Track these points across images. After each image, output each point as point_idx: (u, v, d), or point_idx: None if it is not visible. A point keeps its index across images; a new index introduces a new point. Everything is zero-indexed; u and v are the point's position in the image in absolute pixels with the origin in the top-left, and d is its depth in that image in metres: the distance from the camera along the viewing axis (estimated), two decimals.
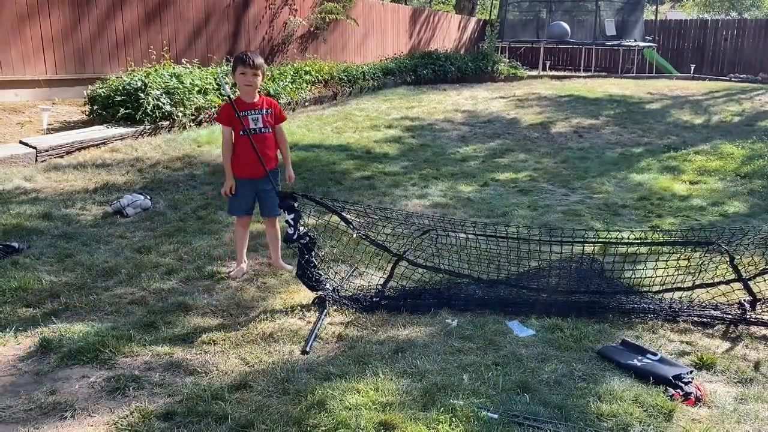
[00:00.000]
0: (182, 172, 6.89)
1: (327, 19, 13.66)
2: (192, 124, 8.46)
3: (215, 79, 8.93)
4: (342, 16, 13.93)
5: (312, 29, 13.50)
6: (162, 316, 3.63)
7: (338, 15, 13.78)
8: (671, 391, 2.92)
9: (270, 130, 4.21)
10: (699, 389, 2.93)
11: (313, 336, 3.42)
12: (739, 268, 3.79)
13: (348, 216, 4.08)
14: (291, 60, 12.59)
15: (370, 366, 3.10)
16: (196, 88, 8.59)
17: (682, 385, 2.94)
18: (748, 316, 3.67)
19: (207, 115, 8.74)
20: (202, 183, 6.54)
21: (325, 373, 3.04)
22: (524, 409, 2.75)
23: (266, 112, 4.23)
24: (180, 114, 8.20)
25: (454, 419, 2.66)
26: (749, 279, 3.75)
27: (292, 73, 10.88)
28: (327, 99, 11.56)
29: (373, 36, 15.98)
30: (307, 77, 11.23)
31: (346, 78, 12.19)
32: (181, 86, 8.34)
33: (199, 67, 9.49)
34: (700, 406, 2.85)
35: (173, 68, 8.88)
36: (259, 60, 4.09)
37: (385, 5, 16.46)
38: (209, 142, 7.98)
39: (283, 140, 4.31)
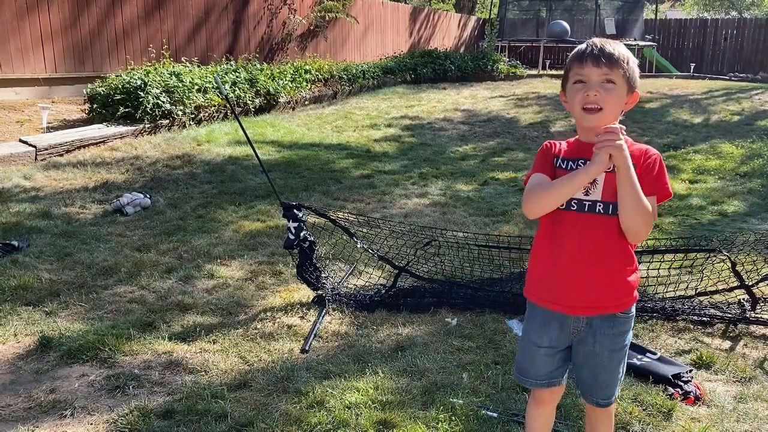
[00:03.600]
0: (182, 170, 6.88)
1: (327, 18, 13.65)
2: (192, 123, 8.46)
3: (214, 78, 8.93)
4: (342, 14, 13.92)
5: (311, 27, 13.50)
6: (161, 314, 3.63)
7: (338, 13, 13.77)
8: (670, 390, 2.92)
9: (615, 211, 1.87)
10: (698, 388, 2.94)
11: (312, 335, 3.42)
12: (740, 270, 3.78)
13: (351, 228, 4.06)
14: (291, 58, 12.59)
15: (369, 365, 3.10)
16: (196, 87, 8.59)
17: (682, 384, 2.95)
18: (747, 316, 3.67)
19: (207, 114, 8.75)
20: (202, 182, 6.54)
21: (324, 371, 3.04)
22: (524, 408, 2.75)
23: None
24: (180, 112, 8.20)
25: (453, 418, 2.67)
26: (752, 285, 3.74)
27: (291, 71, 10.88)
28: (327, 98, 11.55)
29: (373, 34, 15.98)
30: (307, 76, 11.23)
31: (345, 77, 12.18)
32: (180, 85, 8.34)
33: (198, 66, 9.48)
34: (699, 405, 2.85)
35: (173, 66, 8.88)
36: (620, 49, 1.89)
37: (385, 3, 16.45)
38: (209, 140, 7.99)
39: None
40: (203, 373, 3.04)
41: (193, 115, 8.47)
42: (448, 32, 19.85)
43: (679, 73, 18.40)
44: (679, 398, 2.87)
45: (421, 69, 14.57)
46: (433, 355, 3.24)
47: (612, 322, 1.96)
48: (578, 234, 1.90)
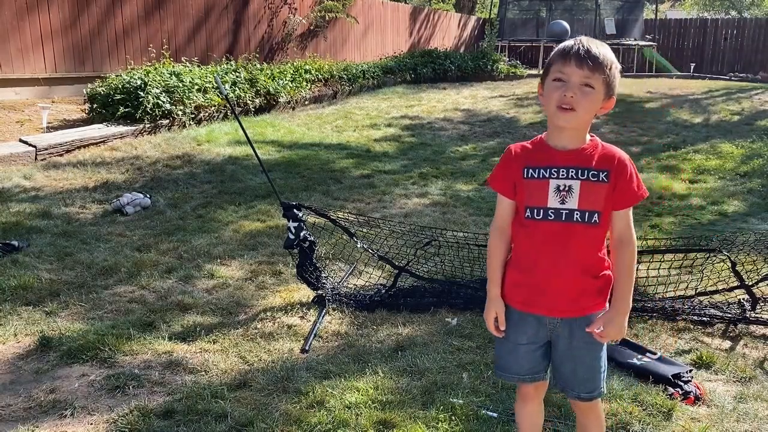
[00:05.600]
0: (182, 170, 6.88)
1: (327, 18, 13.66)
2: (192, 123, 8.46)
3: (214, 78, 8.93)
4: (342, 14, 13.92)
5: (312, 27, 13.50)
6: (161, 314, 3.63)
7: (338, 13, 13.78)
8: (670, 389, 2.92)
9: (593, 219, 1.88)
10: (698, 388, 2.94)
11: (312, 334, 3.42)
12: (740, 270, 3.78)
13: (351, 228, 4.06)
14: (291, 58, 12.59)
15: (369, 364, 3.10)
16: (196, 87, 8.59)
17: (682, 383, 2.95)
18: (747, 315, 3.67)
19: (207, 114, 8.75)
20: (202, 182, 6.54)
21: (324, 371, 3.04)
22: None
23: (593, 175, 1.88)
24: (180, 112, 8.20)
25: (453, 418, 2.67)
26: (752, 285, 3.74)
27: (292, 71, 10.88)
28: (327, 97, 11.55)
29: (373, 34, 15.98)
30: (307, 76, 11.23)
31: (345, 76, 12.18)
32: (180, 84, 8.34)
33: (198, 66, 9.48)
34: (699, 405, 2.85)
35: (173, 66, 8.88)
36: (605, 53, 1.84)
37: (385, 3, 16.45)
38: (209, 140, 7.99)
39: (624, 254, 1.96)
40: (203, 373, 3.04)
41: (193, 115, 8.47)
42: (448, 32, 19.85)
43: (679, 73, 18.40)
44: (679, 398, 2.87)
45: (421, 69, 14.57)
46: (433, 355, 3.24)
47: (588, 320, 1.98)
48: (555, 242, 1.90)
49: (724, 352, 3.37)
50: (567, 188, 1.86)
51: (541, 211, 1.90)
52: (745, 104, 11.94)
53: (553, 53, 1.89)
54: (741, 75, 18.19)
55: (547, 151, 1.92)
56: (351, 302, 3.84)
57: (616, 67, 1.87)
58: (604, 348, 2.05)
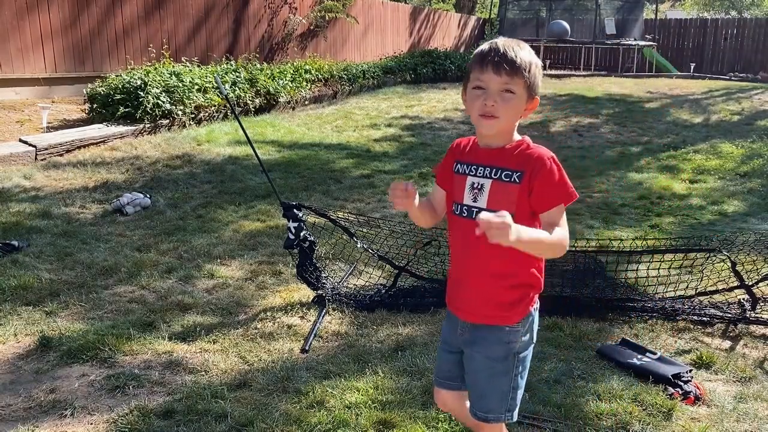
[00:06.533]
0: (182, 170, 6.88)
1: (327, 18, 13.66)
2: (192, 123, 8.46)
3: (214, 78, 8.94)
4: (342, 14, 13.92)
5: (312, 27, 13.50)
6: (161, 314, 3.63)
7: (338, 13, 13.78)
8: (670, 389, 2.92)
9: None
10: (698, 388, 2.94)
11: (312, 334, 3.42)
12: (741, 269, 3.78)
13: (351, 228, 4.06)
14: (291, 58, 12.59)
15: (369, 364, 3.10)
16: (196, 87, 8.59)
17: (682, 383, 2.95)
18: (747, 315, 3.67)
19: (207, 114, 8.75)
20: (202, 182, 6.54)
21: (324, 371, 3.04)
22: (524, 408, 2.75)
23: (506, 176, 1.83)
24: (180, 112, 8.20)
25: (453, 418, 2.67)
26: (752, 285, 3.74)
27: (292, 71, 10.87)
28: (327, 97, 11.55)
29: (373, 34, 15.98)
30: (307, 76, 11.22)
31: (345, 76, 12.18)
32: (180, 85, 8.34)
33: (198, 66, 9.48)
34: (699, 405, 2.85)
35: (173, 66, 8.88)
36: (523, 56, 1.78)
37: (385, 3, 16.45)
38: (209, 140, 7.99)
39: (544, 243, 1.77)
40: (203, 372, 3.04)
41: (193, 115, 8.47)
42: (448, 32, 19.85)
43: (679, 73, 18.40)
44: (679, 398, 2.87)
45: (421, 69, 14.57)
46: (433, 354, 3.23)
47: (495, 331, 1.89)
48: (468, 240, 1.81)
49: (724, 352, 3.37)
50: (479, 186, 1.83)
51: (458, 206, 1.87)
52: (745, 104, 11.94)
53: (471, 59, 1.82)
54: (741, 75, 18.18)
55: (474, 148, 1.91)
56: (351, 302, 3.84)
57: (536, 66, 1.80)
58: (510, 371, 1.90)
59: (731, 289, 3.88)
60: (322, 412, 2.69)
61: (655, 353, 3.22)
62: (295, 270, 3.95)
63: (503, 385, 1.91)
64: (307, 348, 3.29)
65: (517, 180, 1.78)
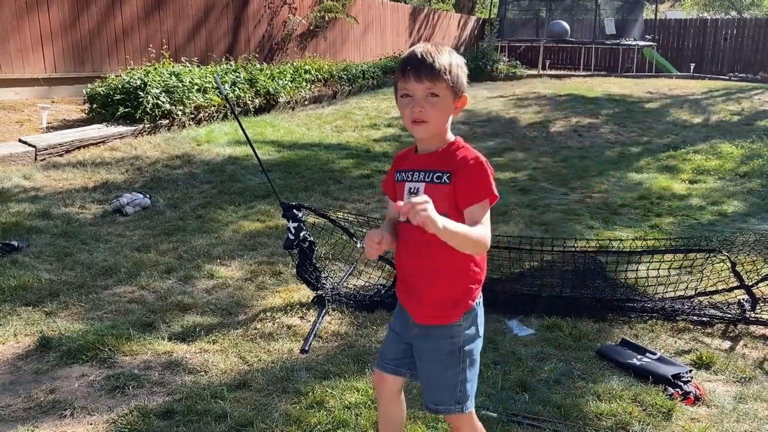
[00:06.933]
0: (181, 170, 6.88)
1: (326, 18, 13.66)
2: (191, 123, 8.46)
3: (214, 79, 8.94)
4: (341, 14, 13.92)
5: (311, 27, 13.50)
6: (161, 314, 3.63)
7: (338, 13, 13.78)
8: (670, 390, 2.92)
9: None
10: (698, 388, 2.94)
11: (312, 335, 3.42)
12: (740, 270, 3.78)
13: (351, 228, 4.06)
14: (291, 58, 12.59)
15: (369, 365, 3.10)
16: (196, 87, 8.59)
17: (681, 384, 2.95)
18: (747, 316, 3.67)
19: (206, 114, 8.75)
20: (202, 182, 6.54)
21: (324, 371, 3.04)
22: (523, 408, 2.76)
23: (437, 177, 1.89)
24: (179, 112, 8.20)
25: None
26: (751, 285, 3.74)
27: (291, 71, 10.88)
28: (326, 98, 11.55)
29: (373, 34, 15.98)
30: (307, 76, 11.23)
31: (345, 77, 12.18)
32: (180, 85, 8.34)
33: (198, 66, 9.49)
34: (699, 405, 2.85)
35: (172, 66, 8.88)
36: (441, 60, 1.83)
37: (385, 3, 16.46)
38: (209, 140, 7.99)
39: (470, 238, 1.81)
40: (203, 373, 3.04)
41: (192, 115, 8.47)
42: (448, 32, 19.85)
43: (679, 73, 18.40)
44: (678, 398, 2.87)
45: None
46: None
47: (441, 328, 1.96)
48: (410, 245, 1.93)
49: (724, 353, 3.37)
50: (416, 190, 1.89)
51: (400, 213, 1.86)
52: (744, 104, 11.94)
53: (399, 66, 1.88)
54: (741, 75, 18.18)
55: (411, 155, 1.98)
56: (351, 302, 3.84)
57: (458, 66, 1.85)
58: (459, 362, 1.96)
59: (731, 290, 3.88)
60: (322, 412, 2.69)
61: (654, 353, 3.22)
62: (294, 270, 3.94)
63: (450, 378, 1.97)
64: (306, 348, 3.29)
65: (447, 181, 1.84)
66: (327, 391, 2.84)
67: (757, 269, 3.95)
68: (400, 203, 1.64)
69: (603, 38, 19.34)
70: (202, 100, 8.61)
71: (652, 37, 19.93)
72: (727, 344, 3.47)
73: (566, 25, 19.26)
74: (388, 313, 3.75)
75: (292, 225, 3.72)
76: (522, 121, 10.61)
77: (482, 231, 1.81)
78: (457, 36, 20.45)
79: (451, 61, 1.83)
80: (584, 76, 17.07)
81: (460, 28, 20.64)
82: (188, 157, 7.33)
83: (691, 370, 3.08)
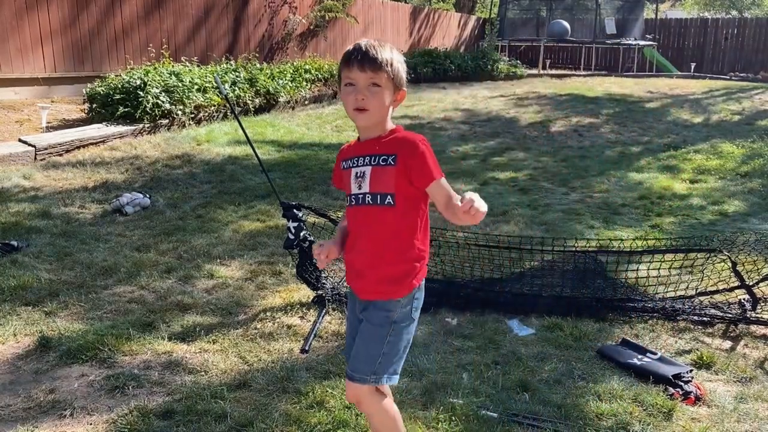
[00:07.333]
0: (181, 170, 6.88)
1: (327, 17, 13.65)
2: (191, 123, 8.45)
3: (214, 78, 8.94)
4: (342, 14, 13.92)
5: (311, 27, 13.49)
6: (161, 314, 3.62)
7: (338, 13, 13.77)
8: (671, 390, 2.91)
9: (386, 201, 2.00)
10: (699, 388, 2.93)
11: (312, 335, 3.42)
12: (741, 270, 3.77)
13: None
14: (291, 58, 12.58)
15: None
16: (196, 87, 8.59)
17: (682, 384, 2.94)
18: (748, 315, 3.67)
19: (206, 114, 8.75)
20: (202, 182, 6.54)
21: (324, 371, 3.04)
22: (524, 408, 2.75)
23: (383, 160, 2.00)
24: (179, 112, 8.20)
25: (453, 418, 2.66)
26: (752, 285, 3.73)
27: (291, 71, 10.87)
28: (327, 97, 11.55)
29: (373, 33, 15.96)
30: (307, 75, 11.22)
31: None
32: (180, 84, 8.34)
33: (198, 65, 9.48)
34: (699, 405, 2.84)
35: (172, 66, 8.87)
36: (384, 53, 1.96)
37: (385, 3, 16.45)
38: (209, 140, 7.99)
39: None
40: (203, 373, 3.04)
41: (192, 115, 8.47)
42: (448, 32, 19.84)
43: (680, 73, 18.39)
44: (679, 398, 2.86)
45: (421, 68, 14.54)
46: (433, 355, 3.23)
47: (382, 304, 2.06)
48: (358, 225, 2.07)
49: (725, 353, 3.36)
50: (362, 174, 2.02)
51: (349, 197, 2.08)
52: (745, 104, 11.93)
53: (342, 58, 2.01)
54: (742, 75, 18.17)
55: (355, 145, 2.11)
56: None
57: (398, 62, 1.99)
58: (389, 340, 2.05)
59: (732, 289, 3.87)
60: (322, 412, 2.69)
61: (655, 353, 3.22)
62: (294, 270, 3.94)
63: (373, 349, 2.04)
64: (307, 348, 3.29)
65: (393, 162, 1.98)
66: (327, 391, 2.84)
67: (758, 269, 3.94)
68: (467, 204, 1.84)
69: (603, 38, 19.33)
70: (202, 99, 8.61)
71: (652, 36, 19.93)
72: (727, 344, 3.47)
73: (567, 24, 19.26)
74: None
75: (292, 225, 3.71)
76: (522, 121, 10.60)
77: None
78: (458, 35, 20.45)
79: (392, 56, 1.97)
80: (585, 75, 17.06)
81: (460, 28, 20.63)
82: (188, 156, 7.33)
83: (691, 370, 3.07)
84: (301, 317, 3.69)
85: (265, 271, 4.35)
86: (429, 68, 14.71)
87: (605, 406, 2.78)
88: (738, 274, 3.70)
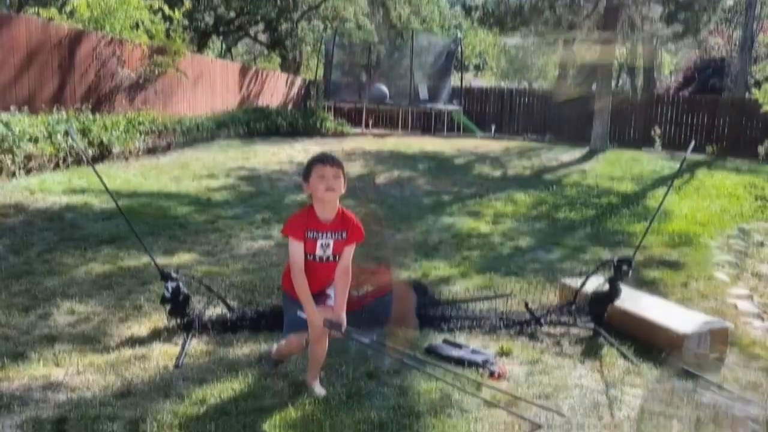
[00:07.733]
0: (17, 218, 6.76)
1: (156, 72, 13.82)
2: (21, 172, 8.24)
3: (67, 129, 8.83)
4: (171, 68, 14.16)
5: (141, 80, 13.57)
6: (30, 346, 3.78)
7: (167, 68, 14.01)
8: (481, 370, 3.79)
9: (336, 258, 3.34)
10: (501, 369, 3.84)
11: (183, 353, 3.82)
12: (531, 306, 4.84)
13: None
14: (122, 110, 12.54)
15: (241, 372, 3.59)
16: (27, 136, 8.41)
17: (489, 366, 3.84)
18: (540, 322, 4.72)
19: (37, 163, 8.57)
20: (41, 229, 6.50)
21: (201, 379, 3.47)
22: (374, 391, 3.43)
23: (341, 236, 3.31)
24: (9, 161, 7.98)
25: (318, 405, 3.25)
26: (539, 318, 4.77)
27: (125, 122, 10.91)
28: (161, 149, 11.68)
29: (203, 88, 16.32)
30: (141, 127, 11.30)
31: (179, 128, 12.41)
32: (10, 134, 8.14)
33: (28, 115, 9.25)
34: (501, 380, 3.73)
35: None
36: (339, 160, 3.32)
37: (214, 61, 16.96)
38: (42, 189, 7.87)
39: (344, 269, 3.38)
40: (85, 389, 3.31)
41: (22, 165, 8.27)
42: (276, 90, 20.74)
43: (482, 134, 20.91)
44: (487, 375, 3.74)
45: (254, 124, 15.16)
46: (296, 359, 3.80)
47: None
48: (318, 271, 3.32)
49: (520, 344, 4.34)
50: (327, 244, 3.28)
51: (313, 256, 3.30)
52: (535, 161, 14.08)
53: (312, 161, 3.26)
54: (533, 136, 21.13)
55: (317, 221, 3.26)
56: (216, 326, 4.28)
57: (343, 167, 3.30)
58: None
59: (527, 323, 4.92)
60: (206, 406, 3.13)
61: (469, 347, 4.10)
62: (163, 307, 4.24)
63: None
64: (180, 364, 3.68)
65: (344, 237, 3.30)
66: (207, 392, 3.29)
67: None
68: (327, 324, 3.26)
69: (418, 102, 21.41)
70: (34, 149, 8.44)
71: (459, 101, 22.46)
72: (522, 340, 4.47)
73: (386, 89, 21.05)
74: (251, 333, 4.24)
75: (170, 285, 4.09)
76: (351, 173, 11.60)
77: (348, 266, 3.37)
78: (285, 93, 21.41)
79: (342, 163, 3.28)
80: (402, 135, 18.79)
81: (287, 87, 21.64)
82: (22, 206, 7.19)
83: (496, 357, 3.99)
84: (168, 341, 4.05)
85: (126, 306, 4.60)
86: (262, 123, 15.38)
87: (433, 384, 3.56)
88: (530, 311, 4.74)
